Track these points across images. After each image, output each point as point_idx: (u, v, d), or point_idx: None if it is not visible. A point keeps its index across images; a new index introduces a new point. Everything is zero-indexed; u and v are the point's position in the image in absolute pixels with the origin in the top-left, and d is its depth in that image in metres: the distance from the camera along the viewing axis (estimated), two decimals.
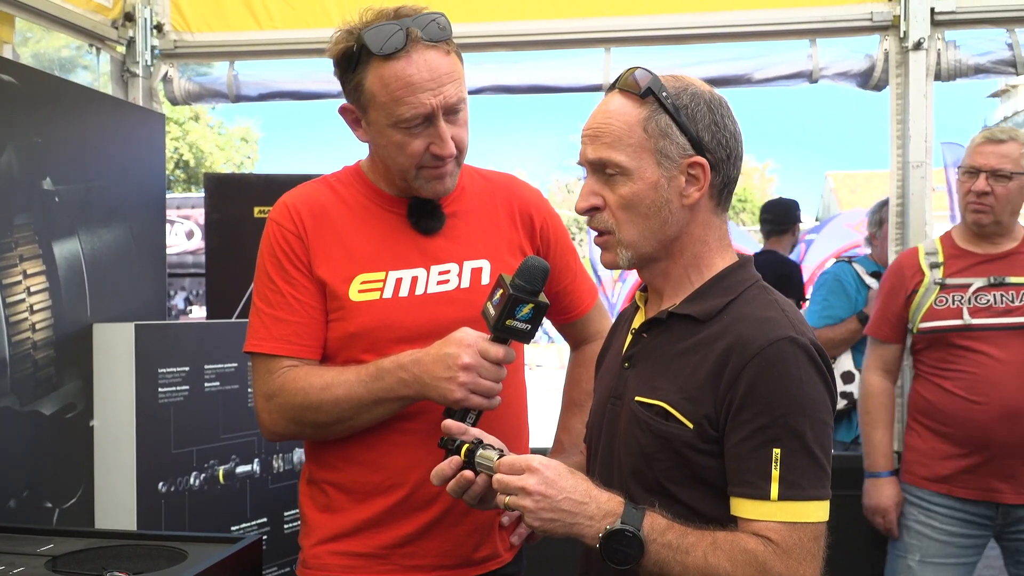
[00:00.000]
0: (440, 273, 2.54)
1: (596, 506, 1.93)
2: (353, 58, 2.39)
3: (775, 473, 1.88)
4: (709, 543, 1.89)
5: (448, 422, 2.21)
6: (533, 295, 2.21)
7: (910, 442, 4.01)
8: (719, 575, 1.87)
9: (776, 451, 1.88)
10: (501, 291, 2.24)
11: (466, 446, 2.13)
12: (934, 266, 3.93)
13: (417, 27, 2.35)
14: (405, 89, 2.34)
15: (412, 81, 2.34)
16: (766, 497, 1.88)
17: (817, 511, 1.90)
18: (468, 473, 2.10)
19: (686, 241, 2.08)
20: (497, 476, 2.01)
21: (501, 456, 2.04)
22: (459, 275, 2.55)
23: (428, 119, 2.38)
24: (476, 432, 2.19)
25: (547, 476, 1.94)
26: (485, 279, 2.56)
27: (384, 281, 2.49)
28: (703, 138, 2.01)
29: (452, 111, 2.41)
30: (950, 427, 3.82)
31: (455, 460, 2.13)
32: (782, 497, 1.88)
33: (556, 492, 1.93)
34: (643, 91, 2.01)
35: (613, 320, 2.58)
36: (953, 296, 3.84)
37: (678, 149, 2.01)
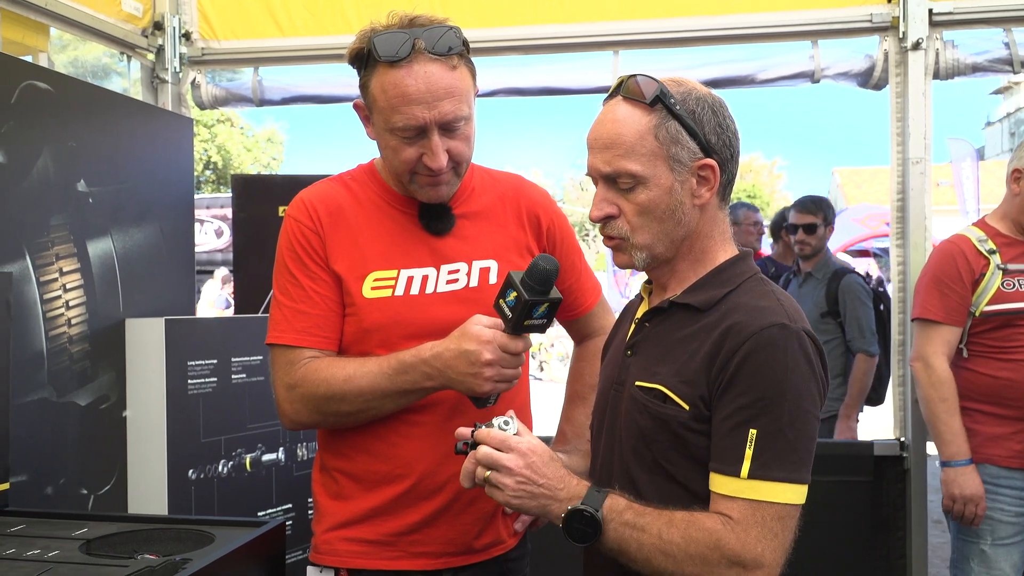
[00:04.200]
0: (450, 272, 2.58)
1: (566, 491, 2.04)
2: (363, 60, 2.43)
3: (748, 452, 1.93)
4: (665, 521, 1.96)
5: (461, 430, 2.25)
6: (545, 294, 2.27)
7: (968, 425, 4.06)
8: (671, 550, 1.94)
9: (752, 431, 1.94)
10: (515, 294, 2.28)
11: (471, 441, 2.18)
12: (991, 252, 4.04)
13: (425, 39, 2.35)
14: (400, 99, 2.36)
15: (408, 92, 2.35)
16: (736, 474, 1.94)
17: (786, 493, 1.94)
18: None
19: (694, 238, 2.15)
20: (483, 449, 2.10)
21: (508, 418, 2.14)
22: (468, 274, 2.60)
23: (421, 131, 2.40)
24: (496, 426, 2.20)
25: (532, 461, 2.05)
26: (493, 278, 2.61)
27: (396, 279, 2.54)
28: (711, 140, 2.07)
29: (448, 127, 2.42)
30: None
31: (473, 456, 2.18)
32: (751, 476, 1.93)
33: (538, 476, 2.04)
34: (651, 99, 2.06)
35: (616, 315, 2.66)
36: (1019, 280, 3.99)
37: (688, 153, 2.06)
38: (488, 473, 2.09)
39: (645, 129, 2.06)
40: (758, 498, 1.93)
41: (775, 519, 1.94)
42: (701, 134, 2.06)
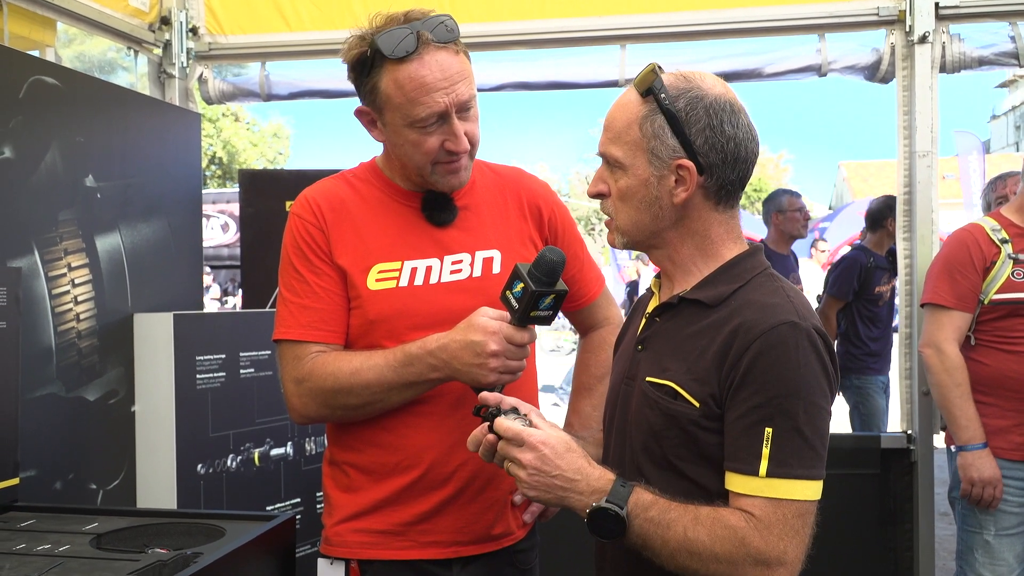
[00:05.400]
0: (453, 263, 2.60)
1: (586, 483, 2.03)
2: (367, 62, 2.46)
3: (765, 451, 1.93)
4: (691, 519, 1.96)
5: (484, 394, 2.28)
6: (552, 285, 2.30)
7: None
8: (697, 549, 1.95)
9: (768, 430, 1.94)
10: (522, 285, 2.30)
11: (490, 410, 2.22)
12: (1003, 241, 4.07)
13: (427, 30, 2.40)
14: (419, 90, 2.40)
15: (426, 82, 2.40)
16: (755, 473, 1.94)
17: (804, 490, 1.94)
18: (492, 436, 2.17)
19: (684, 234, 2.15)
20: (500, 444, 2.11)
21: (525, 421, 2.13)
22: (471, 264, 2.62)
23: (442, 117, 2.44)
24: (512, 401, 2.24)
25: (543, 453, 2.04)
26: (496, 268, 2.63)
27: (400, 270, 2.56)
28: (695, 142, 2.05)
29: (464, 108, 2.47)
30: None
31: (486, 425, 2.20)
32: (770, 474, 1.93)
33: (550, 468, 2.03)
34: (644, 90, 2.07)
35: (620, 307, 2.66)
36: None
37: (668, 151, 2.06)
38: (506, 464, 2.11)
39: (633, 119, 2.08)
40: (778, 496, 1.94)
41: (796, 516, 1.95)
42: (686, 134, 2.05)
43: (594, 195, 2.20)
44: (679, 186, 2.08)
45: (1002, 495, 3.99)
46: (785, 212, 7.24)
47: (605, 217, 2.24)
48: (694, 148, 2.06)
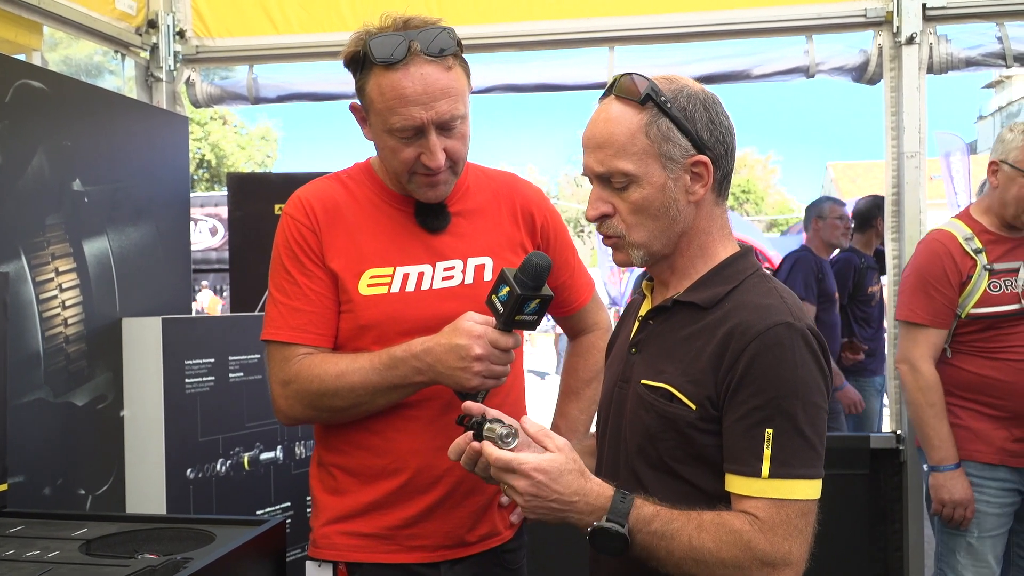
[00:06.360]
0: (445, 269, 2.60)
1: (585, 503, 2.00)
2: (359, 62, 2.46)
3: (767, 452, 1.94)
4: (694, 527, 1.96)
5: (468, 403, 2.27)
6: (537, 290, 2.30)
7: (951, 421, 4.04)
8: (703, 556, 1.94)
9: (768, 431, 1.94)
10: (508, 288, 2.30)
11: (474, 420, 2.21)
12: (977, 251, 4.00)
13: (420, 41, 2.38)
14: (397, 100, 2.39)
15: (405, 94, 2.38)
16: (757, 475, 1.95)
17: (806, 489, 1.95)
18: (475, 444, 2.15)
19: (692, 234, 2.14)
20: (492, 471, 2.08)
21: (510, 430, 2.10)
22: (463, 272, 2.62)
23: (419, 131, 2.43)
24: (494, 413, 2.22)
25: (538, 480, 1.99)
26: (488, 276, 2.63)
27: (392, 276, 2.56)
28: (703, 136, 2.06)
29: (445, 127, 2.45)
30: (1009, 398, 3.94)
31: (469, 435, 2.19)
32: (772, 475, 1.94)
33: (547, 493, 2.00)
34: (642, 97, 2.06)
35: (610, 311, 2.65)
36: (1004, 281, 3.96)
37: (680, 151, 2.05)
38: (504, 488, 2.08)
39: (636, 128, 2.06)
40: (781, 496, 1.94)
41: (799, 516, 1.95)
42: (693, 131, 2.06)
43: (596, 218, 2.17)
44: (695, 183, 2.09)
45: (973, 514, 3.98)
46: (825, 219, 7.21)
47: (597, 231, 2.23)
48: (704, 143, 2.07)
